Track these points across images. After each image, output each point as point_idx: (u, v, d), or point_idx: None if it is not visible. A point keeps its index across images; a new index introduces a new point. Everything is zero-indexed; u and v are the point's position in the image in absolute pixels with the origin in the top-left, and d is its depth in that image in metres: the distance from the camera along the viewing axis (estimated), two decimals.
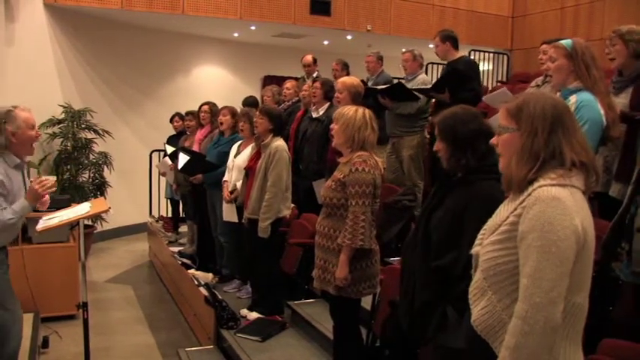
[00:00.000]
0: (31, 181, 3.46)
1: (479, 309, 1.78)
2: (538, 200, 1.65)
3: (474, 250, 1.86)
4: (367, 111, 3.28)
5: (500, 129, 1.84)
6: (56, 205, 4.80)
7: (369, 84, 5.81)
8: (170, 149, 6.70)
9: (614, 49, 3.45)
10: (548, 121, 1.72)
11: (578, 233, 1.63)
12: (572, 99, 2.95)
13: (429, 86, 5.26)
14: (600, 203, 3.41)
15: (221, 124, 5.60)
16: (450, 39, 5.34)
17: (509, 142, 1.79)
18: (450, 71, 5.22)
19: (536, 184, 1.69)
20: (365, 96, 4.81)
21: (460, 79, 5.00)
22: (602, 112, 2.96)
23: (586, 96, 2.95)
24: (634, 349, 2.23)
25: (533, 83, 4.80)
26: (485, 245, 1.79)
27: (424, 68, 5.88)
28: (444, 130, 2.42)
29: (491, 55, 10.65)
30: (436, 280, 2.33)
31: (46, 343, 4.69)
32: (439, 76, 5.40)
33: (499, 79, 10.36)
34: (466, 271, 1.95)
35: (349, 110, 3.25)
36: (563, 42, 3.11)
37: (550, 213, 1.62)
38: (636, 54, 3.39)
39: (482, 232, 1.87)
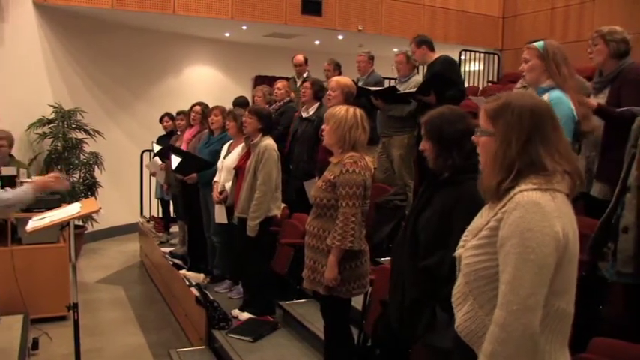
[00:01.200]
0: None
1: (462, 314, 1.77)
2: (518, 205, 1.62)
3: (457, 252, 1.84)
4: (358, 110, 3.28)
5: (479, 131, 1.81)
6: (47, 206, 4.79)
7: (360, 84, 5.82)
8: (158, 148, 6.67)
9: (596, 48, 3.55)
10: (525, 131, 1.68)
11: (558, 239, 1.60)
12: (545, 97, 3.03)
13: (414, 90, 5.29)
14: (585, 203, 3.44)
15: (212, 123, 5.60)
16: (424, 43, 5.45)
17: (487, 145, 1.76)
18: (432, 76, 5.28)
19: (517, 189, 1.66)
20: (357, 95, 4.82)
21: (443, 81, 5.05)
22: (572, 107, 3.07)
23: (556, 94, 3.09)
24: (624, 348, 2.24)
25: (518, 84, 4.84)
26: (467, 249, 1.77)
27: (415, 69, 5.90)
28: (430, 130, 2.43)
29: (482, 55, 10.68)
30: (425, 279, 2.34)
31: (35, 344, 4.67)
32: (423, 80, 5.45)
33: (490, 79, 10.39)
34: (454, 271, 1.96)
35: (340, 110, 3.25)
36: (535, 44, 3.26)
37: (529, 219, 1.59)
38: (616, 54, 3.49)
39: (465, 234, 1.85)
